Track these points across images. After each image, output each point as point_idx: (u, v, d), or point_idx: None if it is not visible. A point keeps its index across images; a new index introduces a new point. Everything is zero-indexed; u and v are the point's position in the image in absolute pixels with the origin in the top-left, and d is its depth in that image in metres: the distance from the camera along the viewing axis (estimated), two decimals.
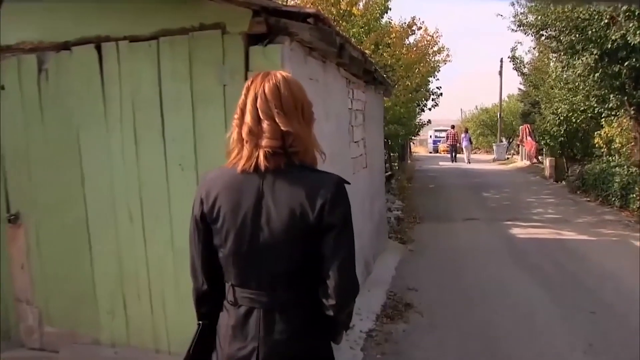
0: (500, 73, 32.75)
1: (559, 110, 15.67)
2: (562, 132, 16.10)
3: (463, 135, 27.41)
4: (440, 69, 15.94)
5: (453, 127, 28.57)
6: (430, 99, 16.05)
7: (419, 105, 15.41)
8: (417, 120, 17.25)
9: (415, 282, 6.13)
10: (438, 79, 18.47)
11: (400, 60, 12.34)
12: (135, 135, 3.34)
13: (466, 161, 25.60)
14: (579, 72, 11.75)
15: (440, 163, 26.15)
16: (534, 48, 19.22)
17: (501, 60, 32.30)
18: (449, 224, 10.12)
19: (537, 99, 20.50)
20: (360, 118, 5.93)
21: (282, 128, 1.57)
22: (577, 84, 13.23)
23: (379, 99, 7.92)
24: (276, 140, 1.56)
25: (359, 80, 5.77)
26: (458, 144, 27.01)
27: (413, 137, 20.44)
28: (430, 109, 16.91)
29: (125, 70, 3.31)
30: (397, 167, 17.79)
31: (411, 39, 13.87)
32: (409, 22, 13.13)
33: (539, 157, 21.68)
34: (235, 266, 1.61)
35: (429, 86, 15.92)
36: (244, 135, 1.57)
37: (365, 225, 6.04)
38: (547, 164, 18.08)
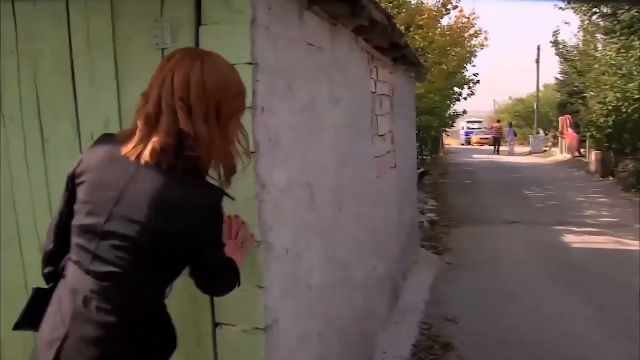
0: (537, 61, 31.19)
1: (607, 98, 14.19)
2: (610, 123, 14.61)
3: (507, 128, 29.21)
4: (477, 54, 14.54)
5: (499, 121, 30.93)
6: (467, 87, 14.66)
7: (454, 93, 14.05)
8: (451, 110, 15.93)
9: (454, 310, 4.90)
10: (474, 65, 17.05)
11: (434, 42, 11.03)
12: (41, 128, 2.20)
13: (510, 152, 26.46)
14: (638, 54, 10.28)
15: (475, 156, 24.85)
16: (582, 28, 17.49)
17: (538, 48, 30.83)
18: (489, 227, 8.85)
19: (580, 87, 19.02)
20: (386, 105, 4.71)
21: (180, 126, 1.39)
22: (632, 69, 11.79)
23: (410, 83, 6.68)
24: (169, 138, 1.40)
25: (385, 57, 4.55)
26: (501, 137, 28.76)
27: (447, 129, 19.12)
28: (465, 98, 15.59)
29: (22, 34, 2.18)
30: (429, 161, 16.53)
31: (445, 20, 12.53)
32: (443, 1, 11.78)
33: (581, 150, 20.30)
34: (77, 240, 1.47)
35: (465, 73, 14.54)
36: (139, 122, 1.43)
37: (391, 242, 4.84)
38: (593, 157, 16.62)
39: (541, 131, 30.77)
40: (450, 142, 37.91)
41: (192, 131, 1.39)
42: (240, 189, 1.87)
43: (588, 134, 16.71)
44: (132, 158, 1.41)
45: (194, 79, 1.40)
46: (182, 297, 1.95)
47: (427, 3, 11.92)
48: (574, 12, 11.31)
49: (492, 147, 28.14)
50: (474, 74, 14.84)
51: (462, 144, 37.39)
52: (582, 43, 19.12)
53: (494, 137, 28.95)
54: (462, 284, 5.82)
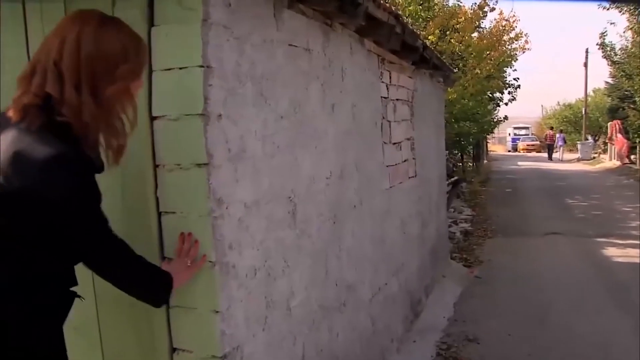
0: (586, 65, 30.12)
1: None
2: None
3: (558, 135, 29.04)
4: (517, 57, 14.03)
5: (552, 128, 30.89)
6: (507, 91, 14.15)
7: (492, 98, 13.58)
8: (493, 116, 15.41)
9: (477, 329, 4.59)
10: (515, 70, 16.48)
11: (471, 46, 10.66)
12: None
13: (560, 159, 26.80)
14: None
15: (520, 163, 24.11)
16: (630, 28, 16.66)
17: (587, 51, 29.73)
18: (526, 239, 8.41)
19: (630, 91, 18.17)
20: (404, 111, 4.47)
21: (46, 89, 1.32)
22: None
23: (436, 88, 6.39)
24: (35, 98, 1.33)
25: (402, 61, 4.32)
26: (554, 144, 28.83)
27: (488, 136, 18.56)
28: (506, 104, 15.05)
29: None
30: (470, 169, 16.06)
31: (485, 23, 12.13)
32: (480, 3, 11.40)
33: (631, 157, 19.42)
34: None
35: (505, 77, 14.03)
36: (17, 78, 1.39)
37: (410, 256, 4.57)
38: None
39: (590, 137, 29.77)
40: (496, 148, 37.15)
41: (59, 95, 1.31)
42: (191, 204, 1.70)
43: (638, 140, 15.93)
44: (6, 114, 1.37)
45: (69, 43, 1.32)
46: (138, 317, 1.79)
47: (464, 6, 11.57)
48: (620, 12, 10.71)
49: (539, 154, 28.46)
50: (515, 79, 14.32)
51: (509, 151, 36.56)
52: (630, 44, 18.25)
53: (547, 144, 29.05)
54: (490, 301, 5.47)
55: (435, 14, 10.74)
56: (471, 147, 16.40)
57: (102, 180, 1.40)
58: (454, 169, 13.20)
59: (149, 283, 1.52)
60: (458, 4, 11.50)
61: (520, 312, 5.10)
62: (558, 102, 39.97)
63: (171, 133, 1.73)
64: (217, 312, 1.73)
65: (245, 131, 1.89)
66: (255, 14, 1.97)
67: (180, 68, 1.68)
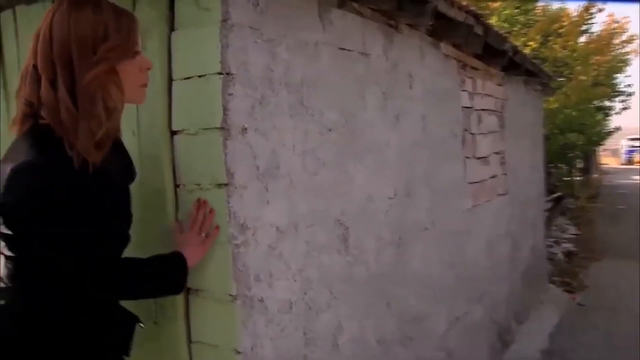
0: None
1: None
2: None
3: None
4: (630, 62, 12.86)
5: None
6: (618, 100, 13.01)
7: (600, 107, 12.52)
8: (603, 126, 14.24)
9: None
10: (629, 75, 15.11)
11: (576, 51, 9.88)
12: None
13: None
14: None
15: (634, 177, 22.22)
16: None
17: None
18: (638, 264, 7.55)
19: None
20: (491, 122, 4.07)
21: (25, 96, 1.21)
22: None
23: (532, 97, 5.87)
24: (24, 107, 1.22)
25: (488, 67, 3.94)
26: None
27: (598, 148, 17.20)
28: (619, 113, 13.85)
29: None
30: (578, 183, 14.93)
31: (594, 27, 11.22)
32: (585, 5, 10.56)
33: None
34: None
35: (616, 84, 12.90)
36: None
37: (498, 281, 4.14)
38: None
39: None
40: (609, 161, 34.64)
41: (37, 98, 1.18)
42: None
43: None
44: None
45: (42, 37, 1.18)
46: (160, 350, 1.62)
47: (568, 8, 10.77)
48: None
49: None
50: (628, 85, 13.14)
51: (623, 164, 33.94)
52: None
53: None
54: (592, 332, 4.86)
55: (537, 18, 10.08)
56: (578, 159, 15.26)
57: None
58: (557, 183, 12.27)
59: (160, 284, 1.39)
60: (562, 8, 10.72)
61: (628, 348, 4.47)
62: None
63: (190, 149, 1.55)
64: (239, 352, 1.51)
65: (279, 145, 1.67)
66: (291, 14, 1.75)
67: (199, 76, 1.50)
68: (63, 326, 1.24)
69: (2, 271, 1.28)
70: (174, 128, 1.57)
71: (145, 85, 1.32)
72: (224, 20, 1.46)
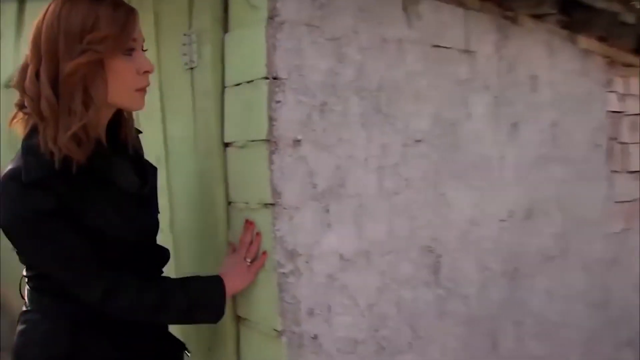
0: None
1: None
2: None
3: None
4: None
5: None
6: None
7: None
8: None
9: None
10: None
11: None
12: None
13: None
14: None
15: None
16: None
17: None
18: None
19: None
20: None
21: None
22: None
23: None
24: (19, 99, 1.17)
25: None
26: None
27: None
28: None
29: None
30: None
31: None
32: None
33: None
34: None
35: None
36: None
37: None
38: None
39: None
40: None
41: (22, 88, 1.11)
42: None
43: None
44: None
45: (35, 25, 1.11)
46: None
47: None
48: None
49: None
50: None
51: None
52: None
53: None
54: None
55: None
56: None
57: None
58: None
59: (193, 308, 1.23)
60: None
61: None
62: None
63: (239, 164, 1.39)
64: None
65: (345, 160, 1.44)
66: (364, 8, 1.51)
67: (248, 82, 1.33)
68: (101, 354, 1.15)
69: (25, 293, 1.22)
70: (226, 140, 1.42)
71: (143, 90, 1.17)
72: (271, 18, 1.27)
